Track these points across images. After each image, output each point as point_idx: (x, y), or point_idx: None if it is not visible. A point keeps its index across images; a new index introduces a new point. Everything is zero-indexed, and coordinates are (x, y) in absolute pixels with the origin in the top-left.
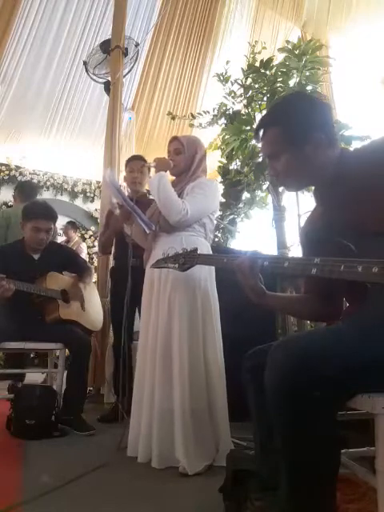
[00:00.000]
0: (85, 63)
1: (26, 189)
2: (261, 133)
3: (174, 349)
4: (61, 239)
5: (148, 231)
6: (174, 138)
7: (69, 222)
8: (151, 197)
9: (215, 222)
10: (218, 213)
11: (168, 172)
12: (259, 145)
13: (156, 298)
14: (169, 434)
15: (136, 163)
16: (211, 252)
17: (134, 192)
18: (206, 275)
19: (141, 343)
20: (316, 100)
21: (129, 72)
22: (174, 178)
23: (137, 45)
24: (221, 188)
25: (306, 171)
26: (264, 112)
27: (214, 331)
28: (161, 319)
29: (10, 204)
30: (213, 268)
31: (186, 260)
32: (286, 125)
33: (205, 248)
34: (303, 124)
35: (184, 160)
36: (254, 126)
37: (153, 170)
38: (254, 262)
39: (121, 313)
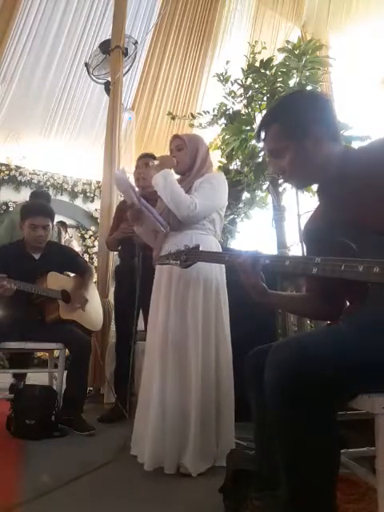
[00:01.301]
0: (86, 65)
1: (40, 197)
2: (263, 133)
3: (189, 349)
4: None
5: (164, 231)
6: (175, 136)
7: (58, 222)
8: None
9: (223, 216)
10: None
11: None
12: (260, 145)
13: (166, 298)
14: (181, 435)
15: (141, 160)
16: (221, 249)
17: (140, 188)
18: (217, 275)
19: (149, 344)
20: (315, 95)
21: (128, 71)
22: (179, 176)
23: (135, 43)
24: None
25: (309, 166)
26: (264, 112)
27: (225, 331)
28: (173, 319)
29: (9, 204)
30: (223, 268)
31: (188, 257)
32: (285, 120)
33: (214, 246)
34: (302, 118)
35: (187, 156)
36: (255, 126)
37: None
38: (255, 260)
39: (124, 311)
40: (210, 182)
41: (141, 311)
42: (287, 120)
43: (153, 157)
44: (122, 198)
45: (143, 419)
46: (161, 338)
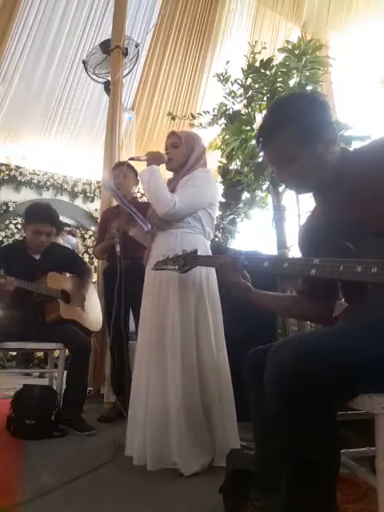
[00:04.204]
0: (84, 62)
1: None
2: (269, 137)
3: (167, 349)
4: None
5: (146, 229)
6: (173, 133)
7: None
8: (140, 200)
9: (214, 215)
10: (217, 205)
11: (162, 166)
12: (261, 154)
13: (151, 298)
14: (163, 434)
15: (119, 169)
16: (209, 248)
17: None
18: (201, 276)
19: (138, 343)
20: (317, 97)
21: (128, 73)
22: (171, 173)
23: (137, 45)
24: (221, 188)
25: (320, 170)
26: (264, 112)
27: (210, 330)
28: (154, 319)
29: (9, 204)
30: (212, 269)
31: (186, 261)
32: (299, 123)
33: (201, 244)
34: (315, 122)
35: (181, 154)
36: (255, 126)
37: (145, 164)
38: (235, 259)
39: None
40: (194, 179)
41: (131, 311)
42: (299, 123)
43: (128, 165)
44: (111, 206)
45: (133, 418)
46: (145, 339)
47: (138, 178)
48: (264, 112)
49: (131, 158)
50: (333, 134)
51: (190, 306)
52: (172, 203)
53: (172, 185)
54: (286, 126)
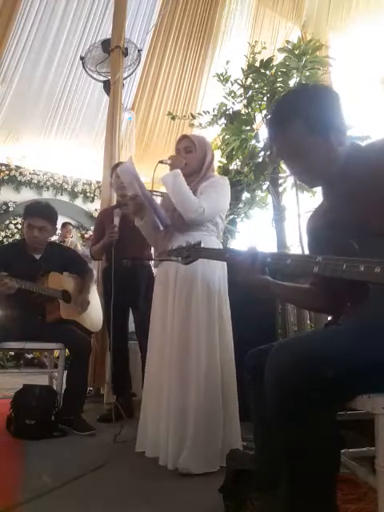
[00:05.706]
0: (82, 58)
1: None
2: (278, 131)
3: (191, 349)
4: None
5: (161, 227)
6: (185, 137)
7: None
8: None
9: (224, 218)
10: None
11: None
12: (261, 144)
13: (172, 297)
14: (181, 434)
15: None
16: None
17: (121, 196)
18: (219, 276)
19: (153, 343)
20: (329, 89)
21: (128, 76)
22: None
23: (139, 50)
24: None
25: (332, 162)
26: (264, 112)
27: (227, 332)
28: (177, 319)
29: (10, 204)
30: (225, 269)
31: (190, 253)
32: (308, 115)
33: (216, 246)
34: (321, 113)
35: (195, 159)
36: (255, 126)
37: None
38: (255, 257)
39: (115, 312)
40: (215, 186)
41: (130, 312)
42: (309, 115)
43: None
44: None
45: (148, 416)
46: (165, 338)
47: (161, 181)
48: (264, 112)
49: (160, 162)
50: (341, 125)
51: (214, 305)
52: (201, 210)
53: (190, 189)
54: (294, 118)
